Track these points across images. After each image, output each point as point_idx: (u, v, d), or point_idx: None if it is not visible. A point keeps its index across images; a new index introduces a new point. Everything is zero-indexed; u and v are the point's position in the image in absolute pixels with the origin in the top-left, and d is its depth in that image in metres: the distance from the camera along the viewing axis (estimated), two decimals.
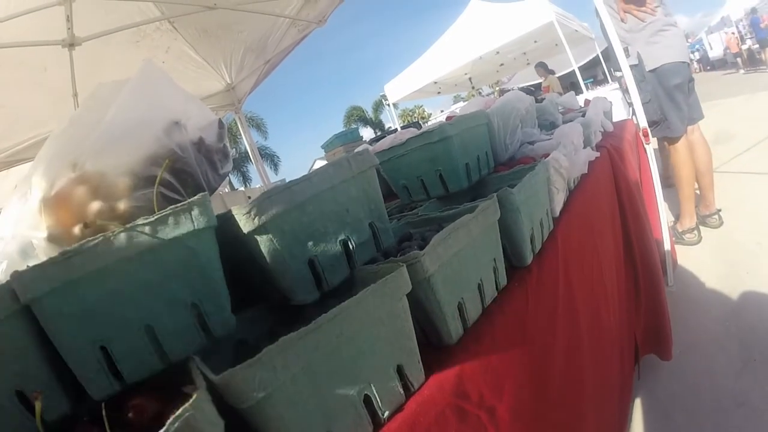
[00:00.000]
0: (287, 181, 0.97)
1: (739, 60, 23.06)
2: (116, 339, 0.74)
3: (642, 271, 2.45)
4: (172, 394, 0.72)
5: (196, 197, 0.80)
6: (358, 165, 1.05)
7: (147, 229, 0.74)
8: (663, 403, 2.28)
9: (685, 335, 2.57)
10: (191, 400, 0.53)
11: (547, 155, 1.73)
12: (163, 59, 4.64)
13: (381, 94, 14.18)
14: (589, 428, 1.44)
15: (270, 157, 36.37)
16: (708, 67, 27.12)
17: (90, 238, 0.71)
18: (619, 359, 1.96)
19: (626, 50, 3.74)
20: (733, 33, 24.76)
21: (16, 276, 0.69)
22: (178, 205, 0.77)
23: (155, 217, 0.75)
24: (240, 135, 6.90)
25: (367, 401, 0.76)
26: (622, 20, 3.79)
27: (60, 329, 0.72)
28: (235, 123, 5.98)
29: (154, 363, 0.77)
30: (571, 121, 2.50)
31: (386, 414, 0.79)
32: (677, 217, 4.08)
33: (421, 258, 0.88)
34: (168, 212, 0.76)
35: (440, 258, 0.93)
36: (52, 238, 0.90)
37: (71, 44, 3.65)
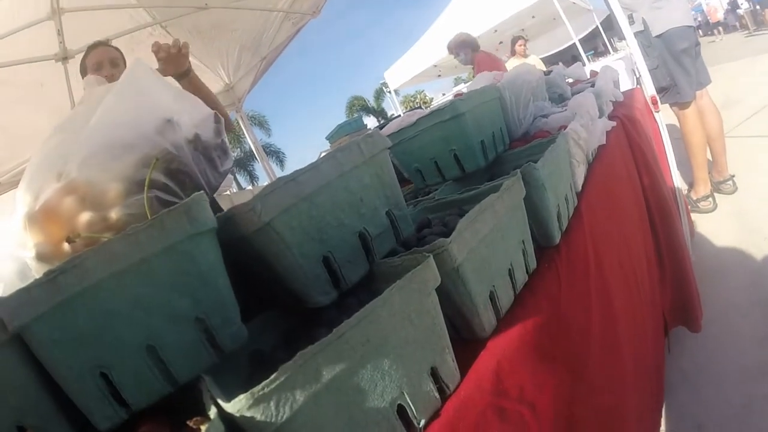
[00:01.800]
0: None
1: (720, 29, 23.76)
2: (116, 363, 0.67)
3: (664, 242, 2.36)
4: (186, 415, 0.66)
5: (190, 197, 0.71)
6: (369, 148, 0.96)
7: (137, 237, 0.66)
8: (689, 375, 2.24)
9: (707, 305, 2.49)
10: None
11: (563, 127, 1.65)
12: None
13: (381, 81, 14.14)
14: (631, 409, 1.38)
15: (275, 154, 36.32)
16: (709, 32, 26.86)
17: (75, 255, 0.63)
18: (652, 335, 1.89)
19: (630, 17, 3.68)
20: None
21: (1, 303, 0.62)
22: (171, 208, 0.69)
23: (146, 223, 0.67)
24: (243, 134, 6.86)
25: (401, 410, 0.68)
26: None
27: (54, 357, 0.65)
28: (238, 123, 5.93)
29: (160, 386, 0.69)
30: (580, 92, 2.41)
31: (422, 422, 0.71)
32: (690, 185, 4.00)
33: (448, 246, 0.79)
34: (160, 217, 0.68)
35: (468, 244, 0.85)
36: (41, 257, 0.82)
37: (65, 58, 3.61)
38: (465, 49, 5.34)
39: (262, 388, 0.51)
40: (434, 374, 0.74)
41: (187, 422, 0.57)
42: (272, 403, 0.52)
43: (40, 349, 0.65)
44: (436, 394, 0.74)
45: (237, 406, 0.51)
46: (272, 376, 0.52)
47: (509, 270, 0.99)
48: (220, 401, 0.55)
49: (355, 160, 0.93)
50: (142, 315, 0.67)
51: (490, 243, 0.93)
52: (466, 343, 0.89)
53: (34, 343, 0.64)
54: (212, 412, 0.55)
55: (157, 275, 0.68)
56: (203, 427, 0.49)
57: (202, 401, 0.63)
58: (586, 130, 1.65)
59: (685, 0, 3.79)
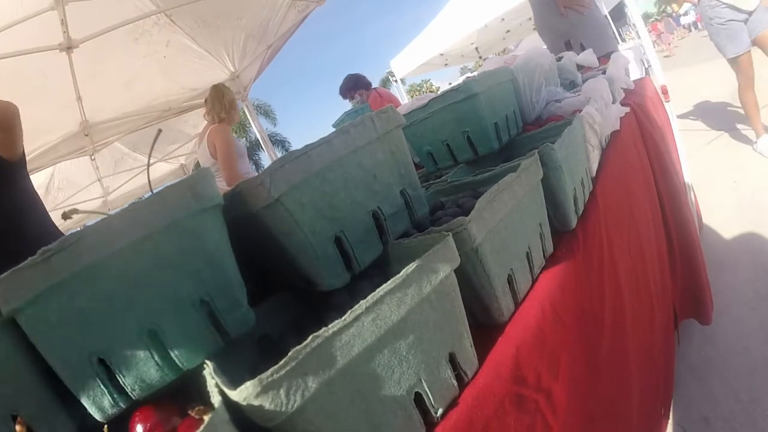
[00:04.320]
0: None
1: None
2: (115, 349, 0.63)
3: (675, 232, 2.34)
4: (193, 401, 0.62)
5: (196, 172, 0.67)
6: (383, 124, 0.92)
7: (138, 214, 0.62)
8: (697, 368, 2.24)
9: (715, 298, 2.48)
10: (203, 427, 0.42)
11: (577, 111, 1.61)
12: (165, 54, 4.56)
13: (387, 70, 14.02)
14: (634, 399, 1.36)
15: (281, 143, 36.07)
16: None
17: (72, 233, 0.59)
18: (660, 326, 1.86)
19: (568, 44, 3.75)
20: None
21: None
22: (174, 182, 0.65)
23: (147, 199, 0.63)
24: (249, 123, 6.83)
25: (418, 398, 0.65)
26: (563, 15, 3.73)
27: (49, 342, 0.62)
28: (243, 112, 5.88)
29: (162, 373, 0.65)
30: (592, 78, 2.36)
31: (440, 411, 0.68)
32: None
33: (468, 225, 0.75)
34: (162, 192, 0.64)
35: (487, 224, 0.81)
36: None
37: (69, 47, 3.58)
38: (359, 90, 5.21)
39: (271, 374, 0.47)
40: (452, 360, 0.71)
41: (189, 411, 0.52)
42: (282, 391, 0.48)
43: (34, 333, 0.61)
44: (454, 382, 0.71)
45: (244, 393, 0.47)
46: (282, 361, 0.48)
47: (527, 253, 0.96)
48: (225, 389, 0.50)
49: (369, 135, 0.89)
50: (142, 297, 0.63)
51: (508, 224, 0.89)
52: (484, 328, 0.86)
53: (28, 328, 0.61)
54: (216, 400, 0.51)
55: (159, 255, 0.64)
56: (206, 417, 0.45)
57: (207, 389, 0.59)
58: (600, 115, 1.61)
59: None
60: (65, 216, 0.70)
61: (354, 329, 0.54)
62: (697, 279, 2.36)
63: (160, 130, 0.84)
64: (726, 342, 2.32)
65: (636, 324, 1.48)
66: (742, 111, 5.10)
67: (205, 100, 3.76)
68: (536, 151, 1.09)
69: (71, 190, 6.55)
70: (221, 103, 3.67)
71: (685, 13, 31.46)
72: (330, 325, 0.52)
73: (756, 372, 2.06)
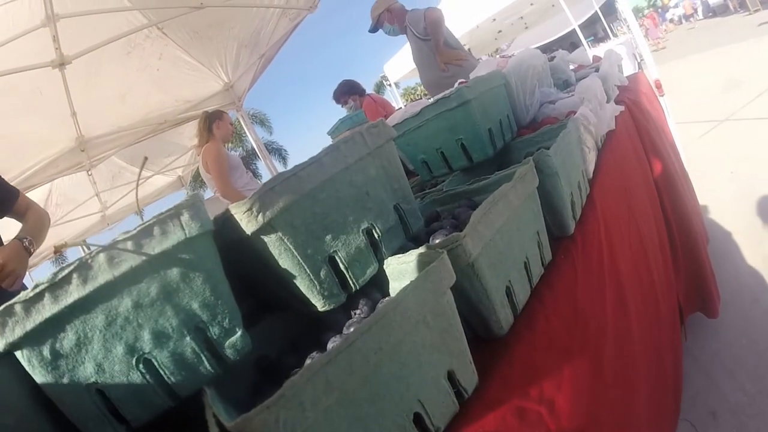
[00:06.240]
0: None
1: (692, 19, 27.83)
2: (112, 379, 0.62)
3: (676, 227, 2.32)
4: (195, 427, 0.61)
5: (185, 199, 0.66)
6: (373, 139, 0.91)
7: (129, 245, 0.61)
8: (702, 362, 2.22)
9: (719, 290, 2.45)
10: None
11: (572, 113, 1.60)
12: (158, 66, 4.55)
13: (381, 74, 14.03)
14: (642, 399, 1.34)
15: (277, 152, 35.79)
16: (710, 14, 26.96)
17: (63, 266, 0.59)
18: (666, 322, 1.84)
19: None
20: None
21: None
22: (164, 211, 0.64)
23: (137, 229, 0.62)
24: (245, 133, 6.81)
25: (418, 419, 0.64)
26: (443, 70, 3.90)
27: (48, 376, 0.61)
28: (239, 121, 5.86)
29: (160, 401, 0.65)
30: (585, 77, 2.36)
31: (440, 430, 0.67)
32: None
33: (463, 241, 0.74)
34: (152, 222, 0.63)
35: (483, 238, 0.80)
36: None
37: (61, 64, 3.56)
38: (352, 96, 5.17)
39: (266, 407, 0.46)
40: (451, 378, 0.70)
41: None
42: (280, 422, 0.47)
43: (33, 367, 0.61)
44: (454, 399, 0.70)
45: (240, 426, 0.46)
46: (277, 393, 0.47)
47: (525, 263, 0.95)
48: (222, 420, 0.49)
49: (360, 151, 0.88)
50: (135, 328, 0.63)
51: (504, 235, 0.88)
52: (483, 342, 0.85)
53: (26, 362, 0.61)
54: (214, 431, 0.50)
55: (153, 284, 0.64)
56: None
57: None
58: (595, 115, 1.60)
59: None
60: (57, 250, 0.70)
61: (349, 356, 0.53)
62: (702, 272, 2.34)
63: (146, 158, 0.84)
64: (731, 334, 2.29)
65: (641, 323, 1.46)
66: (737, 100, 5.08)
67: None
68: (531, 158, 1.08)
69: (69, 206, 6.55)
70: (202, 128, 3.81)
71: (675, 6, 31.63)
72: (324, 354, 0.51)
73: (762, 363, 2.04)
